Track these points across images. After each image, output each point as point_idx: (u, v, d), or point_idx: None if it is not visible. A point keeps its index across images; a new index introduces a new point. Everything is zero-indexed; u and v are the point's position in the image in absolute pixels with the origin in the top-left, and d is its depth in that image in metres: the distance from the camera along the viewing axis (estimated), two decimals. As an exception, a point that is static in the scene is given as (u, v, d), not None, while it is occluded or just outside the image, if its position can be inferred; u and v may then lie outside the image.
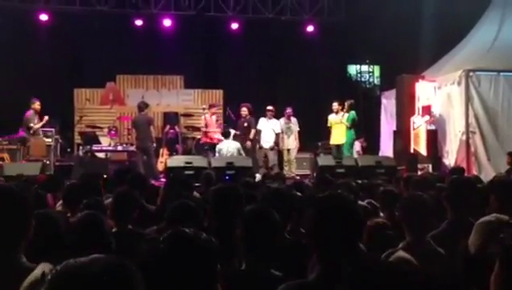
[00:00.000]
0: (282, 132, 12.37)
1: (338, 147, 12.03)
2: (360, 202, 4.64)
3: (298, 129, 12.57)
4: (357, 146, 13.12)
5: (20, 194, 2.29)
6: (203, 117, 12.59)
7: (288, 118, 12.47)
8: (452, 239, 3.13)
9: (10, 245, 2.17)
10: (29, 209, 2.31)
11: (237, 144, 11.41)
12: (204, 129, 12.41)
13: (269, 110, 12.27)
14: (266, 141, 12.16)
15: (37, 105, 11.72)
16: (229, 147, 11.15)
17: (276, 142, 12.35)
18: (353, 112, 11.98)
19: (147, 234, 3.78)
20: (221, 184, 4.32)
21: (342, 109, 12.12)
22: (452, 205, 3.59)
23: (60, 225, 2.85)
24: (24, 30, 14.27)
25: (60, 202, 5.08)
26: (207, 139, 12.24)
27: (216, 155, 11.21)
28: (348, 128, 11.90)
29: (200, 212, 3.63)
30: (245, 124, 11.99)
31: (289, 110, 12.52)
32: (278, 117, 12.48)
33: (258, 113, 12.37)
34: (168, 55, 15.14)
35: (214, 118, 12.45)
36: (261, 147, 12.28)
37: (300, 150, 12.99)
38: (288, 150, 12.46)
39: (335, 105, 12.22)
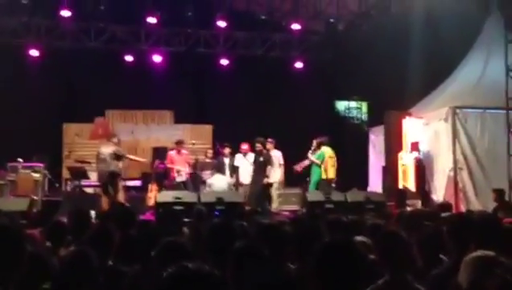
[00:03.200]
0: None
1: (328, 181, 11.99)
2: (359, 238, 4.62)
3: (280, 162, 12.15)
4: None
5: (15, 230, 2.28)
6: (169, 153, 12.66)
7: (270, 150, 12.04)
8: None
9: (3, 281, 2.16)
10: (23, 245, 2.30)
11: (229, 179, 11.41)
12: (169, 165, 12.43)
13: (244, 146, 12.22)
14: (246, 177, 12.04)
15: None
16: (220, 182, 11.14)
17: None
18: (322, 150, 11.97)
19: (127, 272, 3.73)
20: (216, 220, 4.31)
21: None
22: (456, 242, 3.54)
23: (50, 264, 2.83)
24: (14, 65, 14.31)
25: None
26: (174, 174, 12.32)
27: (207, 188, 11.20)
28: (319, 166, 11.89)
29: (189, 249, 3.60)
30: (261, 159, 11.73)
31: (269, 140, 12.07)
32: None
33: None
34: (158, 91, 15.24)
35: (178, 154, 12.43)
36: (241, 184, 12.07)
37: (285, 184, 12.78)
38: (271, 184, 11.95)
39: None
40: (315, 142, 12.08)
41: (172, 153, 12.56)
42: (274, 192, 12.13)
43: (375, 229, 5.23)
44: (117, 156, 11.10)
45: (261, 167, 11.64)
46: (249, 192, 11.48)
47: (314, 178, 11.97)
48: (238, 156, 12.30)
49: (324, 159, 11.88)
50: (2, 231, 2.26)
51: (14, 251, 2.23)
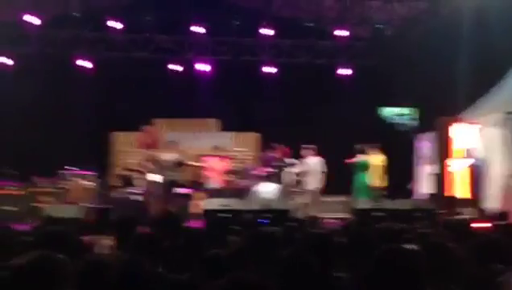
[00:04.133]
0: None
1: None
2: (409, 246, 4.48)
3: (321, 169, 12.12)
4: None
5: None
6: (205, 158, 12.66)
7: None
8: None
9: None
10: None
11: (277, 186, 11.39)
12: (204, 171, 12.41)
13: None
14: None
15: None
16: (266, 189, 11.13)
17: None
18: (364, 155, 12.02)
19: (177, 280, 3.71)
20: (258, 229, 4.26)
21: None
22: None
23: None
24: (66, 75, 14.71)
25: (97, 245, 5.09)
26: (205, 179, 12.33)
27: (253, 195, 11.20)
28: (362, 171, 12.08)
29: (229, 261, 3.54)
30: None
31: (310, 147, 12.24)
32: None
33: (296, 155, 12.30)
34: (204, 99, 15.37)
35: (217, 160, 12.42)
36: None
37: (326, 192, 12.68)
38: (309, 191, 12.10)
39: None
40: (357, 148, 12.23)
41: (209, 159, 12.57)
42: (314, 199, 12.06)
43: (424, 238, 5.09)
44: (180, 164, 11.24)
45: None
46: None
47: (355, 184, 12.11)
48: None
49: (363, 165, 12.01)
50: (59, 238, 2.27)
51: (72, 257, 2.22)
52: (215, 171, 12.22)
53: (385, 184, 11.99)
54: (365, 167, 11.98)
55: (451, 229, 5.08)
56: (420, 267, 2.17)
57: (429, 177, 12.46)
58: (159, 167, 11.24)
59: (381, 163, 12.01)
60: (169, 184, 11.17)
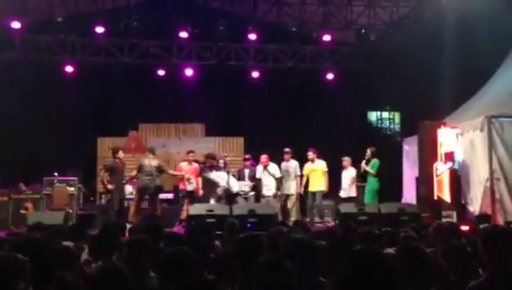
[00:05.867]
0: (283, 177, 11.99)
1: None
2: (389, 250, 4.52)
3: (298, 173, 12.12)
4: None
5: (44, 246, 2.28)
6: (180, 165, 12.56)
7: (287, 161, 12.17)
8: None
9: None
10: (51, 262, 2.28)
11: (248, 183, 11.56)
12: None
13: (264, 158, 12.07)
14: (267, 189, 11.92)
15: None
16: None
17: (278, 188, 11.95)
18: (376, 160, 12.03)
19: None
20: (244, 235, 4.27)
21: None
22: (491, 254, 3.41)
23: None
24: (50, 81, 14.65)
25: (85, 251, 5.09)
26: (183, 186, 12.18)
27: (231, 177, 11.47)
28: (374, 176, 11.98)
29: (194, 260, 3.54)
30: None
31: (286, 150, 12.21)
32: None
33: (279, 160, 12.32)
34: (190, 104, 15.37)
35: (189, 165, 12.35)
36: (263, 196, 11.95)
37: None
38: (287, 195, 12.05)
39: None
40: (369, 152, 12.09)
41: (183, 164, 12.53)
42: (291, 204, 12.07)
43: (404, 241, 5.13)
44: (161, 170, 11.23)
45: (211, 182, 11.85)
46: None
47: (370, 187, 12.08)
48: (259, 168, 12.14)
49: (378, 169, 11.97)
50: (29, 246, 2.27)
51: (40, 266, 2.22)
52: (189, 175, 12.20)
53: (325, 189, 12.13)
54: (375, 170, 12.01)
55: (440, 233, 5.11)
56: (393, 272, 2.18)
57: (416, 181, 12.55)
58: (140, 171, 11.20)
59: (324, 169, 12.08)
60: (155, 190, 11.16)
